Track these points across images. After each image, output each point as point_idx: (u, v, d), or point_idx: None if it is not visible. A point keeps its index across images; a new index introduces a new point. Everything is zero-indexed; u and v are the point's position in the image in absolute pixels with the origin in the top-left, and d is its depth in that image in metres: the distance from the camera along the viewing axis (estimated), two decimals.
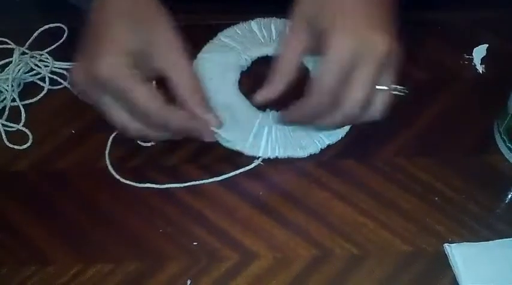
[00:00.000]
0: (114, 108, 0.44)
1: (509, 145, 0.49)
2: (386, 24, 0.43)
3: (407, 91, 0.45)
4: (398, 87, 0.44)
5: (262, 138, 0.49)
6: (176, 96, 0.45)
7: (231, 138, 0.49)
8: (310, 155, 0.50)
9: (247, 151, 0.49)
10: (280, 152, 0.49)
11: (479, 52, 0.57)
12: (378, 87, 0.43)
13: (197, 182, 0.49)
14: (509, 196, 0.49)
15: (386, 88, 0.44)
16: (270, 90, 0.45)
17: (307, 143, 0.50)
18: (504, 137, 0.49)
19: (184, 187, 0.49)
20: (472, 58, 0.57)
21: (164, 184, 0.49)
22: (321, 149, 0.50)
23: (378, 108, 0.44)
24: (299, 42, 0.45)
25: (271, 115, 0.50)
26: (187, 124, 0.45)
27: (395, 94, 0.44)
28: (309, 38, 0.44)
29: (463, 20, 0.60)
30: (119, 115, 0.44)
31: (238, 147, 0.49)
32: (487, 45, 0.57)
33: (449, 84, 0.55)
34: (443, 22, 0.60)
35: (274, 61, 0.45)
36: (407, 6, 0.58)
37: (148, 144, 0.51)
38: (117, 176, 0.49)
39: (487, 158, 0.50)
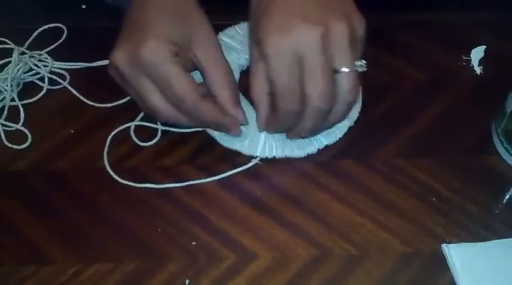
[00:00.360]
0: (151, 92, 0.45)
1: (507, 146, 0.49)
2: (318, 8, 0.42)
3: (366, 69, 0.44)
4: (357, 63, 0.43)
5: (260, 137, 0.50)
6: (210, 89, 0.47)
7: (229, 137, 0.49)
8: (308, 155, 0.50)
9: (246, 150, 0.50)
10: (278, 152, 0.50)
11: (477, 53, 0.57)
12: (338, 69, 0.42)
13: (195, 182, 0.49)
14: (507, 197, 0.49)
15: (346, 69, 0.43)
16: (262, 120, 0.47)
17: (304, 143, 0.50)
18: (502, 138, 0.50)
19: (183, 187, 0.49)
20: (470, 60, 0.57)
21: (163, 184, 0.49)
22: (319, 149, 0.50)
23: (347, 91, 0.43)
24: (260, 68, 0.44)
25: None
26: (219, 119, 0.47)
27: (359, 72, 0.44)
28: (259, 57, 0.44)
29: (461, 21, 0.61)
30: (154, 100, 0.46)
31: (236, 147, 0.50)
32: (485, 46, 0.57)
33: (448, 85, 0.55)
34: (442, 23, 0.61)
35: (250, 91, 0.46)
36: (406, 7, 0.58)
37: (148, 144, 0.52)
38: (115, 177, 0.49)
39: (485, 159, 0.50)
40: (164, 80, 0.44)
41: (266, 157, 0.50)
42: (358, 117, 0.51)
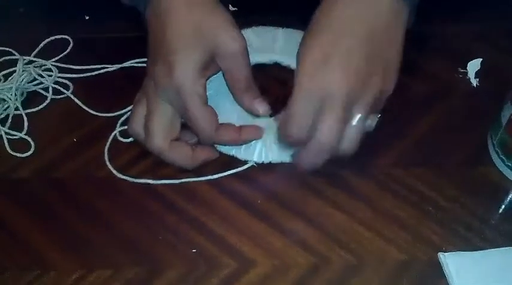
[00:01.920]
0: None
1: (503, 157, 0.50)
2: (361, 60, 0.44)
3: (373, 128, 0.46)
4: (368, 122, 0.45)
5: (256, 142, 0.51)
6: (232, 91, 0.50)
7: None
8: None
9: (242, 155, 0.51)
10: (273, 157, 0.50)
11: (473, 66, 0.58)
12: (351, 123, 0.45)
13: (189, 180, 0.50)
14: (503, 207, 0.49)
15: (355, 123, 0.45)
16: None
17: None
18: (497, 149, 0.50)
19: (184, 194, 0.50)
20: (467, 72, 0.58)
21: (164, 191, 0.50)
22: None
23: (349, 144, 0.45)
24: None
25: (265, 120, 0.51)
26: (236, 141, 0.50)
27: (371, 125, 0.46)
28: None
29: (458, 35, 0.62)
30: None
31: (233, 152, 0.51)
32: (481, 59, 0.58)
33: (445, 97, 0.56)
34: (440, 36, 0.62)
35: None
36: None
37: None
38: (120, 176, 0.50)
39: (481, 169, 0.51)
40: (185, 112, 0.47)
41: (263, 162, 0.51)
42: None
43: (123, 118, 0.55)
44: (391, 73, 0.45)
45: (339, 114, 0.44)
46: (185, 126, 0.49)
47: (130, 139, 0.53)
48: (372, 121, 0.46)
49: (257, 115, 0.50)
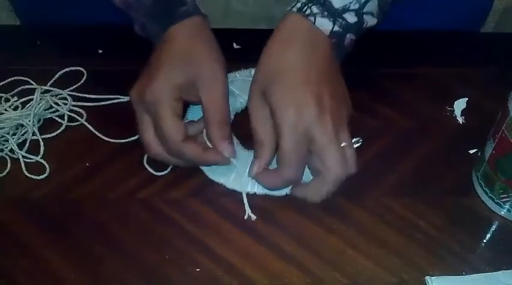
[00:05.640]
0: (147, 127, 0.53)
1: (486, 189, 0.53)
2: (329, 94, 0.49)
3: (360, 143, 0.54)
4: (354, 140, 0.52)
5: (244, 174, 0.54)
6: (205, 123, 0.53)
7: (216, 170, 0.54)
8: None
9: (230, 185, 0.54)
10: (259, 189, 0.54)
11: (459, 104, 0.62)
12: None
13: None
14: (487, 236, 0.52)
15: (345, 144, 0.50)
16: (258, 167, 0.52)
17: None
18: (481, 181, 0.54)
19: (190, 217, 0.53)
20: (453, 110, 0.62)
21: (171, 214, 0.53)
22: None
23: (350, 163, 0.50)
24: (263, 113, 0.51)
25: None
26: (199, 157, 0.52)
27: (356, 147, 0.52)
28: (267, 107, 0.50)
29: (446, 75, 0.65)
30: (147, 134, 0.53)
31: (222, 180, 0.54)
32: (467, 98, 0.62)
33: (433, 132, 0.60)
34: (429, 76, 0.65)
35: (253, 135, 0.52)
36: (395, 62, 0.63)
37: (162, 173, 0.56)
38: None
39: (466, 200, 0.54)
40: (157, 120, 0.51)
41: (247, 192, 0.54)
42: None
43: None
44: (348, 99, 0.51)
45: (331, 142, 0.48)
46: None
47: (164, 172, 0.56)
48: (357, 141, 0.53)
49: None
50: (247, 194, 0.54)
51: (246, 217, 0.53)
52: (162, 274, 0.49)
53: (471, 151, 0.58)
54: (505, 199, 0.52)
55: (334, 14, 0.51)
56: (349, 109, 0.51)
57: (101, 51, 0.68)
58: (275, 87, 0.49)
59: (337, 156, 0.48)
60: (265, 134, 0.51)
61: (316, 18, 0.51)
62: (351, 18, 0.52)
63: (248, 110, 0.52)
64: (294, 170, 0.49)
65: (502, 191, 0.52)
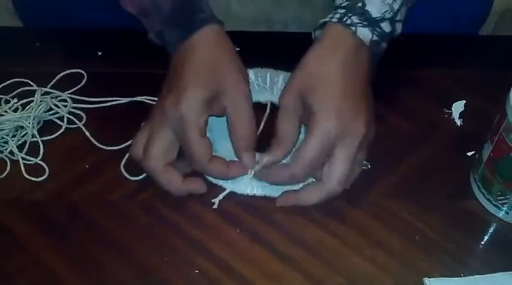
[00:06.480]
0: (143, 141, 0.52)
1: (483, 191, 0.53)
2: (366, 111, 0.51)
3: (370, 166, 0.55)
4: (364, 162, 0.53)
5: (244, 176, 0.54)
6: (230, 134, 0.53)
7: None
8: None
9: (229, 186, 0.54)
10: (258, 191, 0.54)
11: (457, 107, 0.62)
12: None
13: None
14: (484, 237, 0.53)
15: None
16: (272, 158, 0.52)
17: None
18: (479, 184, 0.54)
19: (189, 219, 0.53)
20: (452, 113, 0.62)
21: (170, 216, 0.53)
22: None
23: (350, 180, 0.52)
24: (292, 111, 0.52)
25: (256, 156, 0.54)
26: (224, 176, 0.53)
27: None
28: (300, 109, 0.51)
29: (445, 78, 0.66)
30: (139, 150, 0.52)
31: (221, 182, 0.54)
32: (465, 101, 0.62)
33: (431, 135, 0.60)
34: (428, 79, 0.66)
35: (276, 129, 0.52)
36: (394, 65, 0.64)
37: (136, 178, 0.56)
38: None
39: (464, 202, 0.54)
40: (184, 140, 0.51)
41: (247, 194, 0.54)
42: None
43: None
44: (372, 121, 0.52)
45: (353, 152, 0.50)
46: (181, 156, 0.53)
47: (139, 177, 0.56)
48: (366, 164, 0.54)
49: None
50: (247, 196, 0.54)
51: (215, 207, 0.54)
52: (161, 276, 0.49)
53: (469, 154, 0.58)
54: (502, 201, 0.52)
55: (373, 24, 0.52)
56: (373, 130, 0.52)
57: (100, 54, 0.68)
58: (319, 92, 0.50)
59: (345, 173, 0.50)
60: (286, 134, 0.52)
61: (357, 28, 0.52)
62: (386, 27, 0.53)
63: (278, 103, 0.53)
64: (306, 171, 0.50)
65: (499, 193, 0.52)
